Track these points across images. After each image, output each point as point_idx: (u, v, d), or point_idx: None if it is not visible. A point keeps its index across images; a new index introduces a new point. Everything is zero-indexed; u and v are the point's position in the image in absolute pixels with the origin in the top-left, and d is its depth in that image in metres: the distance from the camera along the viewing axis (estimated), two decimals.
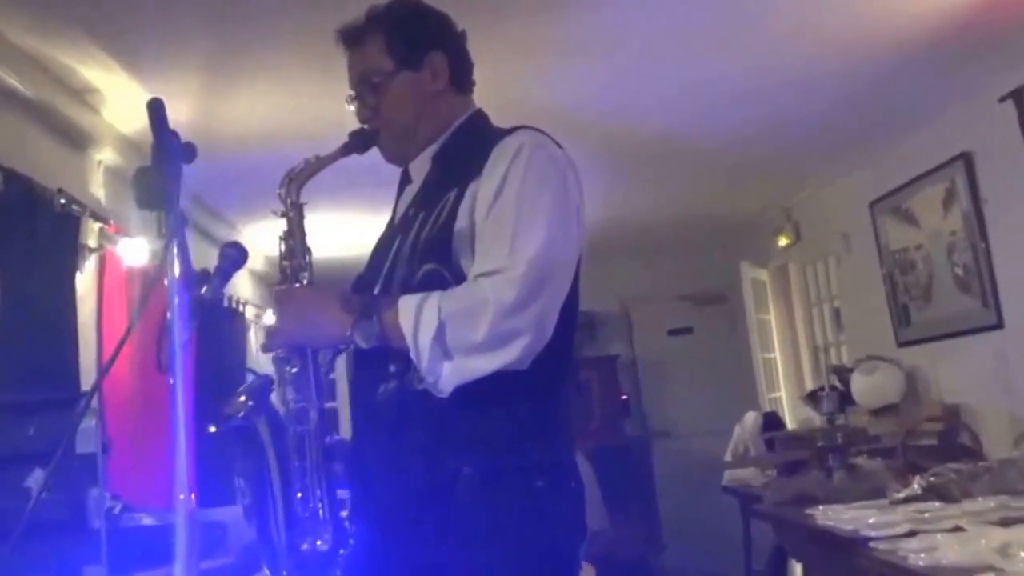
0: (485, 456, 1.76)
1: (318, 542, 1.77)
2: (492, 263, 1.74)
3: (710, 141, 5.14)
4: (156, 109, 1.53)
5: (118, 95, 3.80)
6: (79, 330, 3.59)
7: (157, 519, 3.04)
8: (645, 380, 8.76)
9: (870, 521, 3.39)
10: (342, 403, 2.79)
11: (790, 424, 6.81)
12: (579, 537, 1.86)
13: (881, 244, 5.71)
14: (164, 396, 1.44)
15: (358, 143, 1.98)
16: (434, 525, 1.77)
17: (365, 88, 2.00)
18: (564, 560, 1.83)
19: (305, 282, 1.90)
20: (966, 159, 4.75)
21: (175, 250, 1.48)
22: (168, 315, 1.46)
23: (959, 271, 4.93)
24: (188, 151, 1.54)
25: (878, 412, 5.19)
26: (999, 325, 4.64)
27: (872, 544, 3.12)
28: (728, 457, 6.17)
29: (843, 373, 5.56)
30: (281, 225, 1.93)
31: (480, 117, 2.04)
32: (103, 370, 1.77)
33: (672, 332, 8.83)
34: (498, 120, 2.04)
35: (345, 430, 1.98)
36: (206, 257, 5.41)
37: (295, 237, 1.92)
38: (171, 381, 1.44)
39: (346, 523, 1.80)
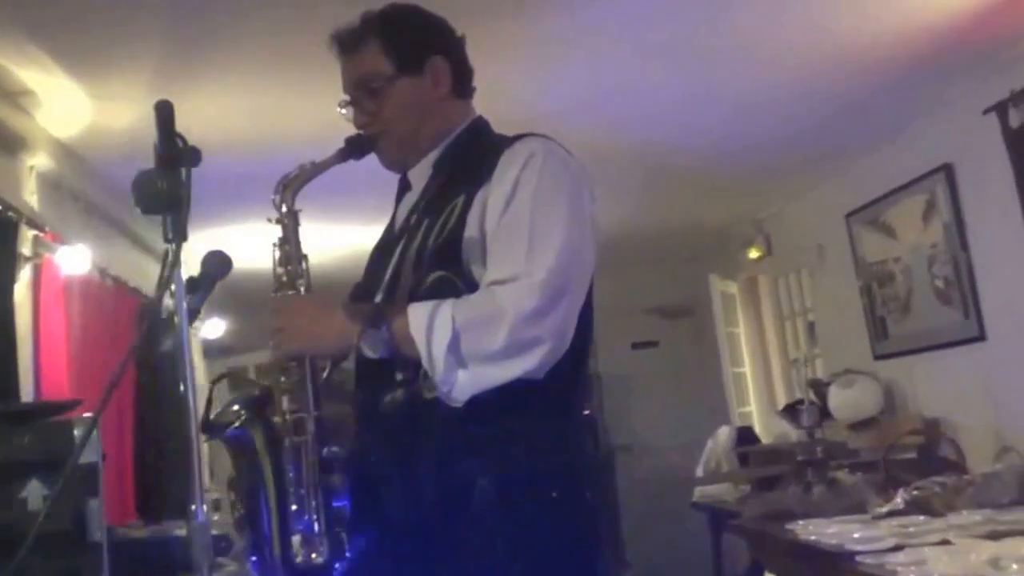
0: (500, 467, 1.73)
1: (313, 555, 1.73)
2: (508, 270, 1.72)
3: (682, 154, 5.14)
4: (164, 111, 1.49)
5: (55, 98, 3.64)
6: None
7: (149, 532, 2.99)
8: (608, 394, 8.65)
9: (855, 535, 3.34)
10: None
11: (763, 439, 6.74)
12: (596, 548, 1.83)
13: (858, 256, 5.70)
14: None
15: (355, 149, 1.95)
16: (449, 537, 1.73)
17: (363, 93, 1.96)
18: (583, 572, 1.80)
19: (303, 290, 1.87)
20: (947, 171, 4.76)
21: (181, 255, 1.46)
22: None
23: (940, 283, 4.92)
24: (195, 155, 1.50)
25: (856, 426, 5.18)
26: (981, 337, 4.64)
27: (859, 559, 3.06)
28: (700, 472, 6.09)
29: (819, 387, 5.54)
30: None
31: (482, 124, 2.02)
32: (112, 383, 1.71)
33: (636, 345, 8.73)
34: None
35: None
36: (140, 266, 5.29)
37: (291, 244, 1.89)
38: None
39: (343, 536, 1.76)
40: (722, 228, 7.39)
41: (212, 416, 1.81)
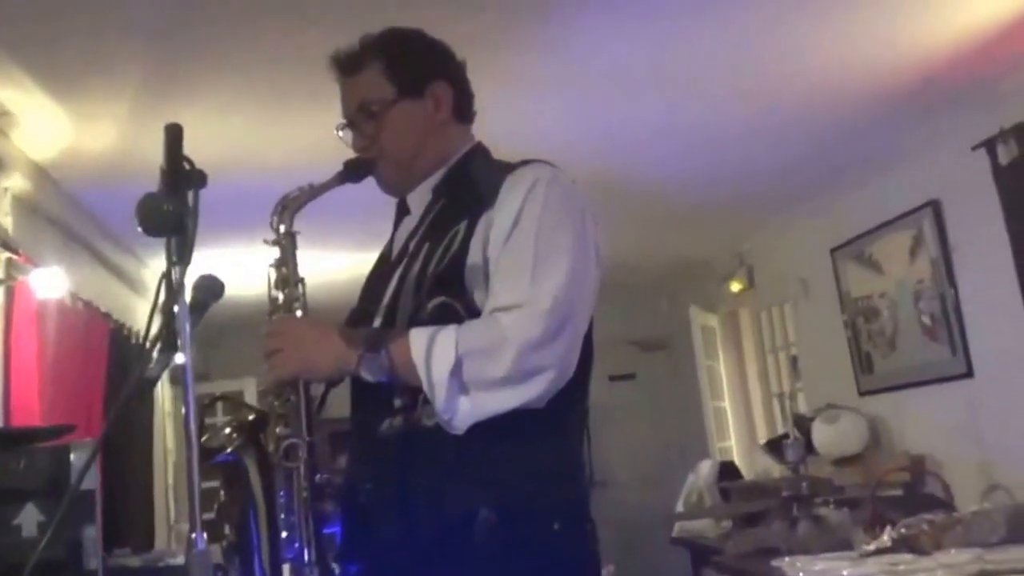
0: (502, 497, 1.69)
1: None
2: (512, 297, 1.69)
3: (663, 184, 5.13)
4: (173, 133, 1.48)
5: (32, 118, 3.56)
6: None
7: (142, 560, 2.93)
8: None
9: (844, 573, 3.35)
10: None
11: (745, 474, 6.68)
12: None
13: (842, 291, 5.69)
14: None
15: (353, 172, 1.92)
16: (448, 569, 1.69)
17: (362, 117, 1.93)
18: None
19: (299, 313, 1.84)
20: (934, 207, 4.76)
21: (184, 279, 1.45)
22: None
23: (926, 319, 4.91)
24: (201, 177, 1.50)
25: (840, 462, 5.15)
26: (969, 374, 4.63)
27: None
28: (680, 507, 6.02)
29: (803, 422, 5.48)
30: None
31: (482, 149, 2.00)
32: (117, 411, 1.70)
33: (613, 378, 8.66)
34: None
35: None
36: (111, 290, 5.20)
37: (288, 266, 1.87)
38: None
39: (334, 564, 1.73)
40: (704, 260, 7.38)
41: (203, 440, 1.75)
